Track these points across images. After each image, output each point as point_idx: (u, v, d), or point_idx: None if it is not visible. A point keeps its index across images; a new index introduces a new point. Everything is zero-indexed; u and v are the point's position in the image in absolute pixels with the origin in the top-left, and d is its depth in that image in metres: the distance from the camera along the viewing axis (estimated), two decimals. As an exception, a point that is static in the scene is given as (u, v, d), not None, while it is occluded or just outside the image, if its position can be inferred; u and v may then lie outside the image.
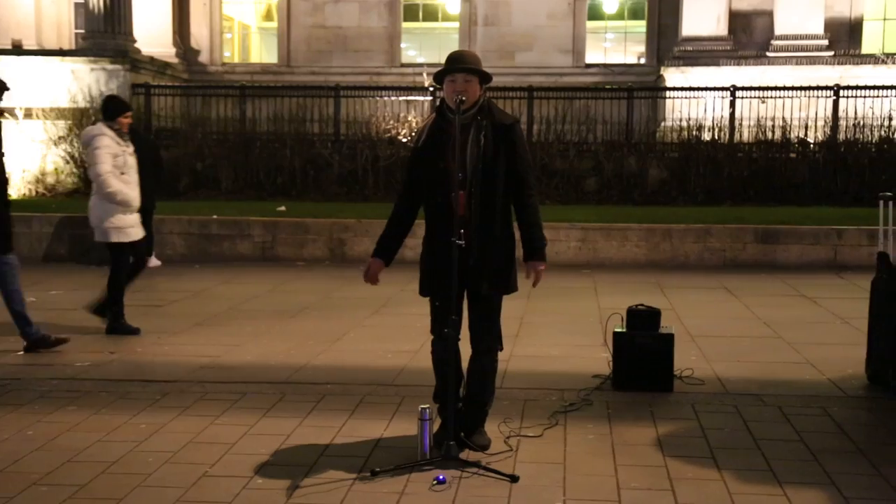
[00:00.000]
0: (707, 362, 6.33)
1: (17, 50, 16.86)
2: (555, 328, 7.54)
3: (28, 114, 14.74)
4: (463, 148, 4.30)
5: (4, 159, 6.35)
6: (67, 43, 18.81)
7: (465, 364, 4.55)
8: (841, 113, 14.13)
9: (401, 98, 15.07)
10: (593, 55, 19.04)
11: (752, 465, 4.37)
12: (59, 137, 14.64)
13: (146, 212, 11.18)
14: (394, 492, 4.00)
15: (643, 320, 5.72)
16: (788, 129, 13.95)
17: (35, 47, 17.79)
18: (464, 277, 4.30)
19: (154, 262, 11.23)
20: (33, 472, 4.25)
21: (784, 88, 14.20)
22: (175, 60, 18.48)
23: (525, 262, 4.46)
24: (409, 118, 14.50)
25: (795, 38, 16.35)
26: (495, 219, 4.38)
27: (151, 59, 16.99)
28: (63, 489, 4.05)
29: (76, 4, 18.89)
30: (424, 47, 19.71)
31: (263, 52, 20.86)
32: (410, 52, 19.70)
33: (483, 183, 4.31)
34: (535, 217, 4.46)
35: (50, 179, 14.78)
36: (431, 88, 14.75)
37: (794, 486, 4.07)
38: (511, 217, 4.49)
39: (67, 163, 14.65)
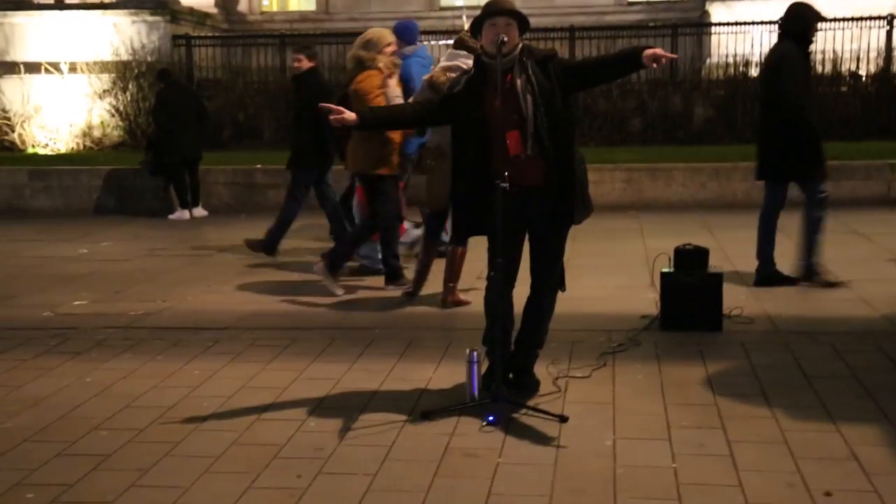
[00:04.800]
0: (757, 301, 6.26)
1: (60, 4, 16.92)
2: (601, 270, 7.48)
3: (73, 68, 14.86)
4: (512, 90, 4.20)
5: None
6: (108, -5, 18.84)
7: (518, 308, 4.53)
8: (895, 44, 13.68)
9: (440, 42, 14.87)
10: (636, -8, 18.59)
11: (803, 402, 4.34)
12: (104, 91, 14.73)
13: (192, 162, 11.37)
14: (444, 433, 4.04)
15: (691, 260, 5.66)
16: (839, 61, 13.54)
17: (77, 1, 17.86)
18: (531, 217, 4.28)
19: (201, 212, 11.37)
20: (94, 417, 4.38)
21: (835, 20, 13.73)
22: (214, 10, 18.41)
23: (643, 57, 4.07)
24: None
25: (847, -35, 15.77)
26: (566, 151, 4.26)
27: (191, 10, 16.96)
28: (123, 433, 4.16)
29: (116, -43, 18.89)
30: (463, -11, 19.37)
31: (302, 0, 20.69)
32: (449, -5, 19.38)
33: (547, 121, 4.19)
34: None
35: (97, 133, 14.93)
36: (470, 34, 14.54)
37: (848, 422, 4.03)
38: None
39: (113, 116, 14.77)
